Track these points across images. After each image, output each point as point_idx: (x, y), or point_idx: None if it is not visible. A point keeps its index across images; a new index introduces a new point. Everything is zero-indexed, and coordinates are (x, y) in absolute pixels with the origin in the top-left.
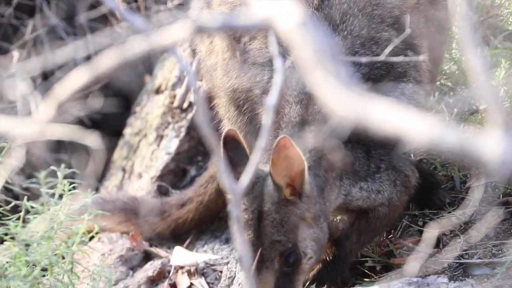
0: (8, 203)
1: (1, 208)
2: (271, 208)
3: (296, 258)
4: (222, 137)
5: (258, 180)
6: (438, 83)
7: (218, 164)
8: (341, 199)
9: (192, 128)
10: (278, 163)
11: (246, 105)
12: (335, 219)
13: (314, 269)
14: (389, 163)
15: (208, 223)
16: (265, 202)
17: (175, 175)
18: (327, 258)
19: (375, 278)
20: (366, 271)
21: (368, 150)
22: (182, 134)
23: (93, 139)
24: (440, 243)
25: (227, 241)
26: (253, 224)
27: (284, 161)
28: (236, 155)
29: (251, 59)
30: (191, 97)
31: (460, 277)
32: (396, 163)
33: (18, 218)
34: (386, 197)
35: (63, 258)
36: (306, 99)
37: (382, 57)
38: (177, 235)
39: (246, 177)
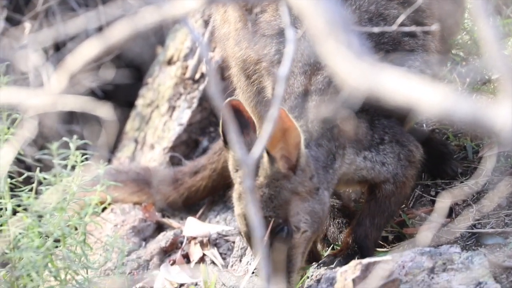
0: (20, 174)
1: (14, 180)
2: (262, 182)
3: (287, 233)
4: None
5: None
6: (450, 53)
7: (228, 136)
8: (345, 168)
9: (204, 99)
10: (274, 134)
11: (254, 77)
12: (347, 190)
13: (334, 259)
14: (393, 136)
15: (221, 191)
16: (258, 176)
17: (187, 146)
18: (346, 249)
19: (388, 248)
20: (379, 241)
21: (372, 120)
22: (194, 105)
23: (105, 110)
24: (452, 213)
25: None
26: (244, 198)
27: (280, 133)
28: (237, 125)
29: (260, 31)
30: (203, 68)
31: (473, 247)
32: (400, 137)
33: (31, 190)
34: (391, 171)
35: (76, 229)
36: (310, 70)
37: (394, 27)
38: (190, 203)
39: (258, 148)
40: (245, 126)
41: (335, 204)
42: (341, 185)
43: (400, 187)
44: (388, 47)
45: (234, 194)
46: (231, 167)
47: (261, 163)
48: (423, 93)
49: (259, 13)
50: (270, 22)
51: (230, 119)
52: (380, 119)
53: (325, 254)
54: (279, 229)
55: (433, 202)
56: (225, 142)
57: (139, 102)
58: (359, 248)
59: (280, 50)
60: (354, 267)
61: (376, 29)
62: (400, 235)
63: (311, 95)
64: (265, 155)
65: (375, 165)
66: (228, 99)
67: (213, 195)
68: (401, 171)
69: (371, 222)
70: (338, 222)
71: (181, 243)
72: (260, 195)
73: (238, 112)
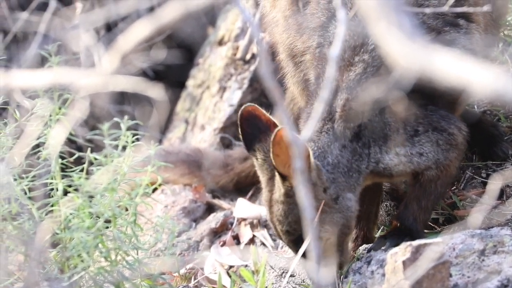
0: (71, 154)
1: (65, 160)
2: (277, 198)
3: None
4: (239, 113)
5: None
6: (501, 34)
7: (280, 117)
8: (372, 167)
9: (255, 80)
10: (281, 153)
11: (301, 66)
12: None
13: (384, 241)
14: (428, 125)
15: None
16: (274, 191)
17: (238, 127)
18: (394, 231)
19: (438, 230)
20: (429, 223)
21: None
22: (245, 85)
23: (156, 91)
24: (503, 195)
25: None
26: (267, 208)
27: (287, 151)
28: (254, 131)
29: (305, 23)
30: (254, 49)
31: None
32: (437, 123)
33: (82, 170)
34: (431, 158)
35: (126, 209)
36: (344, 66)
37: (445, 8)
38: (240, 187)
39: (309, 130)
40: (264, 131)
41: (383, 187)
42: (384, 179)
43: (444, 170)
44: (427, 37)
45: (263, 199)
46: (259, 171)
47: (276, 179)
48: (474, 74)
49: (304, 5)
50: (313, 14)
51: (282, 100)
52: (412, 111)
53: (376, 236)
54: (299, 241)
55: (484, 184)
56: (248, 149)
57: (190, 82)
58: (409, 231)
59: (321, 44)
60: (404, 249)
61: (428, 10)
62: (451, 217)
63: (341, 92)
64: (276, 173)
65: (412, 158)
66: (244, 106)
67: None
68: (443, 156)
69: (418, 205)
70: (386, 205)
71: (231, 224)
72: (277, 209)
73: (253, 119)
